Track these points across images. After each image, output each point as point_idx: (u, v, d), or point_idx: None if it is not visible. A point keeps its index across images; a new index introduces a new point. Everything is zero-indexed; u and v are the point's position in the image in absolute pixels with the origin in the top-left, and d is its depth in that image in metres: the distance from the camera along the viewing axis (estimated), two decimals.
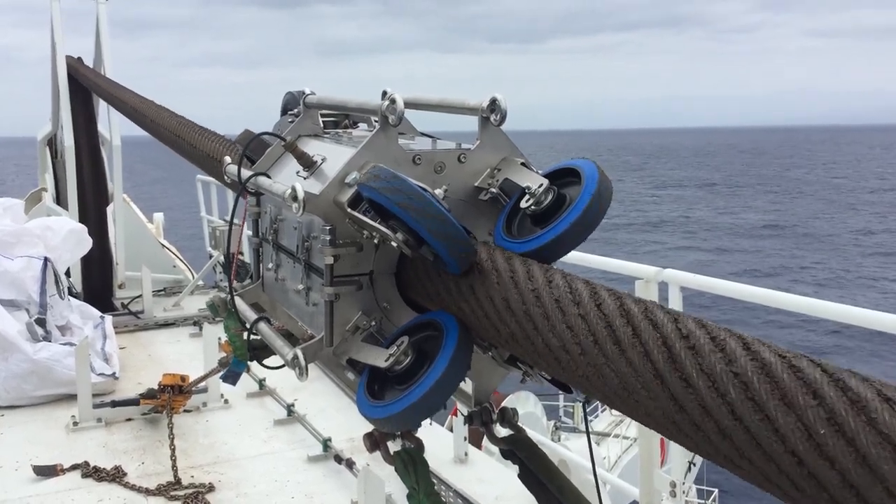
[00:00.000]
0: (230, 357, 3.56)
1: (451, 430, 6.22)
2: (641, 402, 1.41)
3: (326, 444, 5.90)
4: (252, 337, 2.60)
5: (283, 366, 2.75)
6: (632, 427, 18.29)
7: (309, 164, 2.31)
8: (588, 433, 2.48)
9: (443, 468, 5.57)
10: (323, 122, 2.79)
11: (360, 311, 2.17)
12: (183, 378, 6.19)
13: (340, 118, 2.90)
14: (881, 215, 70.52)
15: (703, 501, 16.52)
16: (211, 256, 10.88)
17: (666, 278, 4.13)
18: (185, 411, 6.57)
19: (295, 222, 2.36)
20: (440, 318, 1.99)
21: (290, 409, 6.63)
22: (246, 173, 2.49)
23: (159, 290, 10.53)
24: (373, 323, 2.16)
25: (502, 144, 2.23)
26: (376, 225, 1.95)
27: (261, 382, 7.14)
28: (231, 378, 3.64)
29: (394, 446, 2.24)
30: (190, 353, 8.19)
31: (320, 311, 2.21)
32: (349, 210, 2.03)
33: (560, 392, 2.16)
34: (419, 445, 2.19)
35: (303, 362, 2.10)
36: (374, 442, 2.17)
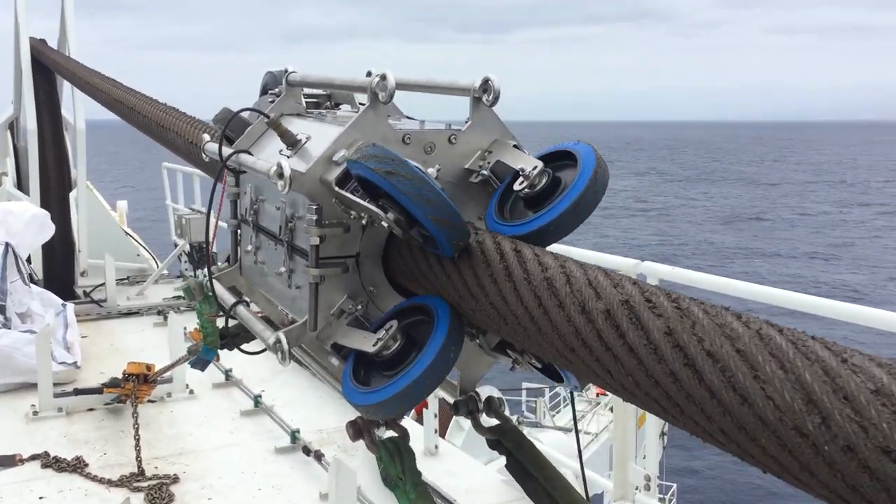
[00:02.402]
0: (199, 344, 3.47)
1: (422, 422, 6.16)
2: (642, 387, 1.37)
3: (294, 435, 5.79)
4: (227, 322, 2.51)
5: (262, 350, 2.68)
6: (593, 423, 18.41)
7: (293, 143, 2.23)
8: (575, 423, 2.44)
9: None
10: (304, 102, 2.72)
11: (346, 294, 2.10)
12: (148, 367, 6.05)
13: (322, 99, 2.82)
14: (843, 206, 72.27)
15: (662, 496, 16.69)
16: (176, 245, 10.69)
17: (644, 271, 4.11)
18: (149, 401, 6.42)
19: (278, 202, 2.29)
20: (430, 303, 1.93)
21: (257, 400, 6.49)
22: (226, 151, 2.41)
23: (123, 279, 10.32)
24: (359, 307, 2.10)
25: (494, 126, 2.18)
26: (366, 204, 1.88)
27: (227, 373, 7.01)
28: (200, 364, 3.55)
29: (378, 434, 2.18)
30: (154, 343, 8.02)
31: (304, 295, 2.14)
32: (337, 189, 1.97)
33: (549, 382, 2.09)
34: (404, 434, 2.13)
35: (285, 346, 2.02)
36: (357, 430, 2.11)
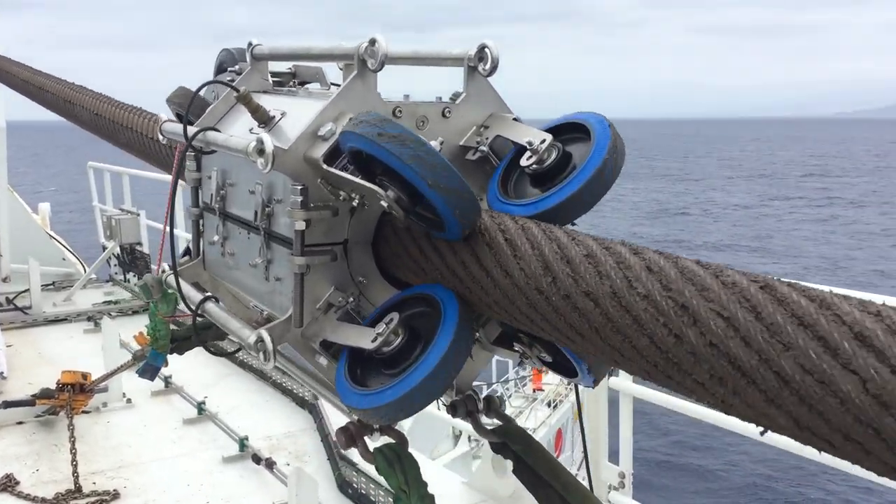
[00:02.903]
0: (147, 349, 3.19)
1: None
2: (686, 368, 1.27)
3: (243, 443, 5.53)
4: (195, 321, 2.25)
5: (236, 351, 2.44)
6: (531, 418, 18.38)
7: (265, 120, 2.00)
8: (581, 420, 2.26)
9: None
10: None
11: (333, 286, 1.89)
12: (84, 376, 5.68)
13: (286, 78, 2.58)
14: (763, 199, 74.65)
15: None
16: (105, 248, 10.20)
17: None
18: (83, 412, 6.05)
19: (252, 185, 2.05)
20: (434, 292, 1.72)
21: (200, 406, 6.20)
22: (189, 129, 2.15)
23: (48, 284, 9.80)
24: (350, 299, 1.88)
25: (490, 98, 1.99)
26: (361, 182, 1.67)
27: (167, 379, 6.67)
28: (149, 373, 3.28)
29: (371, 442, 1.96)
30: (85, 351, 7.61)
31: (285, 288, 1.92)
32: (325, 166, 1.75)
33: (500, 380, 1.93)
34: (402, 440, 1.92)
35: (269, 345, 1.79)
36: (349, 437, 1.88)
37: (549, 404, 18.75)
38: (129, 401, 6.38)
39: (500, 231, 1.63)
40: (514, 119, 1.97)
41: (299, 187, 1.77)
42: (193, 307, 2.18)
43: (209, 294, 2.23)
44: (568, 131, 1.88)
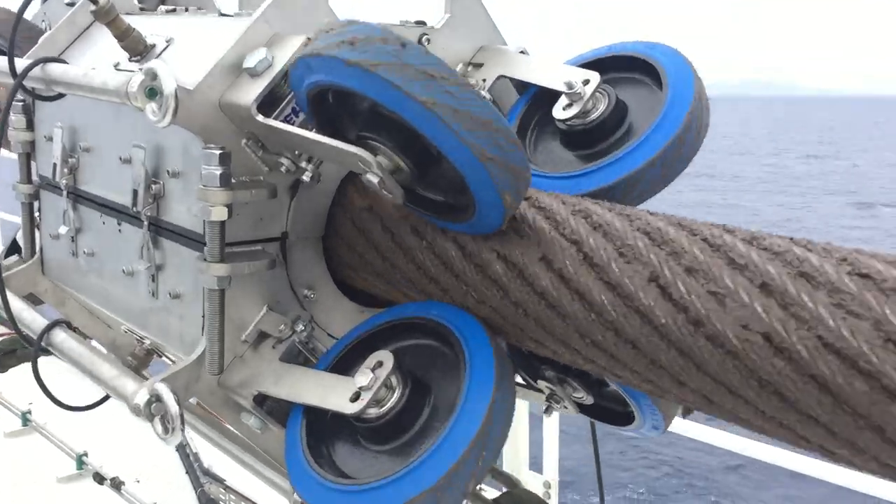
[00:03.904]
0: None
1: None
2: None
3: (81, 459, 4.82)
4: (36, 358, 1.52)
5: (97, 404, 1.74)
6: None
7: (139, 49, 1.31)
8: (596, 452, 1.77)
9: (245, 483, 4.61)
10: None
11: (266, 304, 1.23)
12: None
13: (150, 4, 1.85)
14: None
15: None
16: None
17: None
18: None
19: (125, 150, 1.35)
20: (444, 317, 1.11)
21: (25, 416, 5.39)
22: (19, 62, 1.40)
23: None
24: (300, 328, 1.23)
25: (482, 24, 1.40)
26: (336, 143, 1.03)
27: None
28: None
29: None
30: None
31: (186, 309, 1.25)
32: (261, 118, 1.09)
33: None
34: None
35: (174, 409, 1.12)
36: None
37: None
38: None
39: (546, 219, 1.05)
40: (521, 52, 1.38)
41: (217, 152, 1.10)
42: (34, 339, 1.44)
43: (60, 318, 1.50)
44: (614, 69, 1.31)
